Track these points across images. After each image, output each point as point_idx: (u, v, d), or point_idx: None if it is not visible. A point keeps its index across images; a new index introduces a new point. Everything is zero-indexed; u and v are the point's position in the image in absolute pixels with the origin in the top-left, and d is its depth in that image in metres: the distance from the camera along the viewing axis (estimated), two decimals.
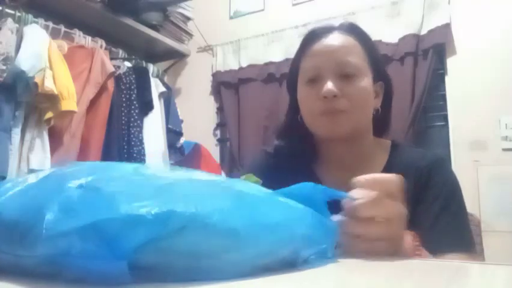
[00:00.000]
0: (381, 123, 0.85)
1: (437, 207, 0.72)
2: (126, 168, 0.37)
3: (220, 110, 2.77)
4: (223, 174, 2.47)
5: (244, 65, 2.64)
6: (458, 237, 0.70)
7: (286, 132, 0.88)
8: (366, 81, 0.76)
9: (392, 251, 0.49)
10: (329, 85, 0.73)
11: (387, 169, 0.79)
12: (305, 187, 0.45)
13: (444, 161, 0.80)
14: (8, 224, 0.31)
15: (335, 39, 0.78)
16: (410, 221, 0.71)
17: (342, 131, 0.76)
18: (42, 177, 0.35)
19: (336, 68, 0.75)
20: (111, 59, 2.14)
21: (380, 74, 0.81)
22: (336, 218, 0.47)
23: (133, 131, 2.12)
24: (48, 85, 1.66)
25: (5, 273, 0.31)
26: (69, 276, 0.29)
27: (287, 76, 0.89)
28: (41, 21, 1.89)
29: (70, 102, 1.74)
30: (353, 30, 0.80)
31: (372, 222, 0.47)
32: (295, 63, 0.84)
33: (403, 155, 0.80)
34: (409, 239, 0.56)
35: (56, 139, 1.81)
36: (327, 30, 0.80)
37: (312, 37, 0.81)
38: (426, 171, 0.76)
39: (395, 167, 0.78)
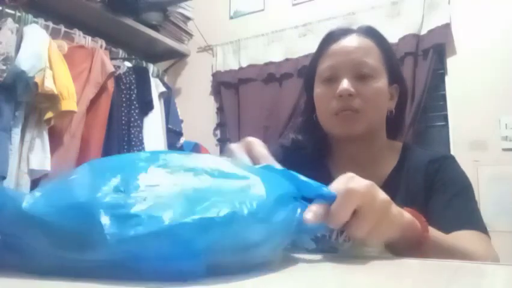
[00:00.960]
0: (394, 126, 0.86)
1: (448, 195, 0.73)
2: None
3: (220, 110, 2.77)
4: None
5: (244, 65, 2.64)
6: (469, 218, 0.71)
7: (302, 130, 0.91)
8: (381, 83, 0.78)
9: (393, 225, 0.47)
10: (345, 84, 0.75)
11: (397, 170, 0.80)
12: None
13: (452, 159, 0.81)
14: (55, 229, 0.32)
15: (352, 41, 0.80)
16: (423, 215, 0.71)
17: (356, 130, 0.77)
18: (70, 179, 0.36)
19: (352, 68, 0.77)
20: (111, 59, 2.14)
21: (395, 77, 0.83)
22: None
23: (133, 131, 2.12)
24: (48, 85, 1.66)
25: (60, 275, 0.31)
26: (137, 276, 0.30)
27: (304, 76, 0.91)
28: (41, 21, 1.89)
29: (69, 102, 1.74)
30: (370, 33, 0.82)
31: (351, 221, 0.43)
32: (312, 63, 0.86)
33: (413, 156, 0.82)
34: (408, 215, 0.52)
35: (56, 139, 1.81)
36: (345, 32, 0.82)
37: (330, 38, 0.82)
38: (435, 167, 0.78)
39: (405, 168, 0.80)
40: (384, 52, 0.81)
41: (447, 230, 0.64)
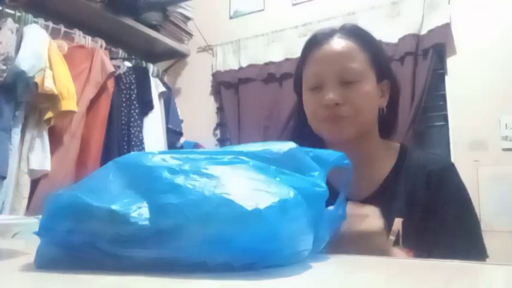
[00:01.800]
0: (387, 123, 0.85)
1: (449, 215, 0.72)
2: None
3: (220, 110, 2.77)
4: None
5: (244, 65, 2.64)
6: (470, 245, 0.70)
7: (296, 135, 0.90)
8: (368, 85, 0.76)
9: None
10: (330, 94, 0.74)
11: (394, 172, 0.79)
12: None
13: (453, 167, 0.79)
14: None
15: (334, 46, 0.77)
16: (420, 225, 0.71)
17: (346, 136, 0.76)
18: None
19: (336, 75, 0.75)
20: (111, 59, 2.14)
21: (385, 73, 0.81)
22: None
23: (133, 131, 2.12)
24: (48, 85, 1.66)
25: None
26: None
27: (293, 81, 0.89)
28: (41, 21, 1.89)
29: (69, 102, 1.74)
30: (353, 33, 0.80)
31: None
32: (298, 69, 0.85)
33: (411, 158, 0.80)
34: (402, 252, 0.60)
35: (56, 139, 1.81)
36: (327, 35, 0.80)
37: (313, 43, 0.81)
38: (436, 177, 0.76)
39: (403, 170, 0.79)
40: (369, 52, 0.78)
41: (448, 254, 0.65)
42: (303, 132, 0.86)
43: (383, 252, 0.58)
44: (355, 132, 0.76)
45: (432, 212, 0.73)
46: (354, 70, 0.75)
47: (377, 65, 0.79)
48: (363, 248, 0.55)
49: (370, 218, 0.60)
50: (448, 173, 0.77)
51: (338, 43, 0.78)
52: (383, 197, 0.75)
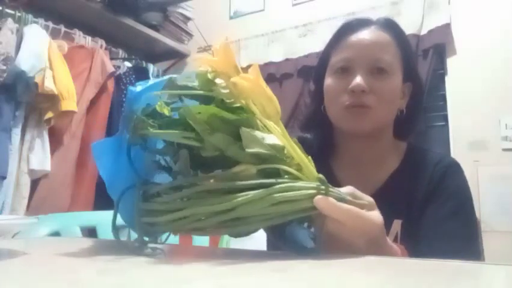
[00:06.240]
0: (405, 126, 0.83)
1: (447, 210, 0.71)
2: None
3: None
4: None
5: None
6: (463, 245, 0.69)
7: (308, 124, 0.88)
8: (396, 80, 0.75)
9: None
10: (358, 79, 0.72)
11: (399, 171, 0.78)
12: None
13: (459, 167, 0.78)
14: None
15: (370, 34, 0.77)
16: (418, 222, 0.70)
17: (365, 128, 0.74)
18: None
19: (368, 62, 0.74)
20: (111, 59, 2.14)
21: (410, 75, 0.80)
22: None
23: None
24: (48, 85, 1.66)
25: None
26: None
27: (316, 65, 0.87)
28: (41, 21, 1.89)
29: (69, 102, 1.74)
30: (389, 26, 0.79)
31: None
32: (326, 52, 0.82)
33: (417, 158, 0.79)
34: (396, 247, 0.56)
35: (56, 139, 1.81)
36: (363, 23, 0.79)
37: (348, 29, 0.79)
38: (439, 174, 0.74)
39: (408, 169, 0.78)
40: (401, 48, 0.78)
41: (440, 251, 0.64)
42: (314, 121, 0.85)
43: (380, 246, 0.51)
44: (374, 126, 0.74)
45: (429, 207, 0.72)
46: (385, 61, 0.74)
47: (405, 64, 0.78)
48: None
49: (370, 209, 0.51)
50: (451, 171, 0.75)
51: (374, 32, 0.77)
52: (384, 197, 0.74)
